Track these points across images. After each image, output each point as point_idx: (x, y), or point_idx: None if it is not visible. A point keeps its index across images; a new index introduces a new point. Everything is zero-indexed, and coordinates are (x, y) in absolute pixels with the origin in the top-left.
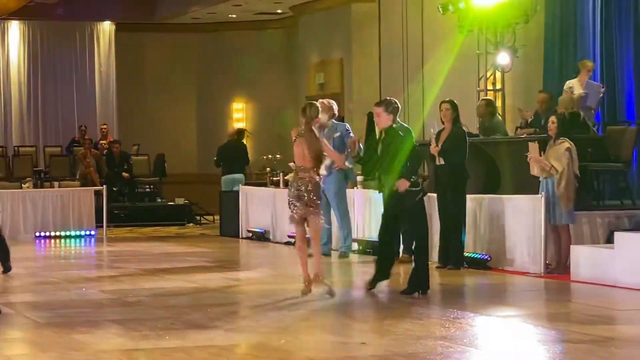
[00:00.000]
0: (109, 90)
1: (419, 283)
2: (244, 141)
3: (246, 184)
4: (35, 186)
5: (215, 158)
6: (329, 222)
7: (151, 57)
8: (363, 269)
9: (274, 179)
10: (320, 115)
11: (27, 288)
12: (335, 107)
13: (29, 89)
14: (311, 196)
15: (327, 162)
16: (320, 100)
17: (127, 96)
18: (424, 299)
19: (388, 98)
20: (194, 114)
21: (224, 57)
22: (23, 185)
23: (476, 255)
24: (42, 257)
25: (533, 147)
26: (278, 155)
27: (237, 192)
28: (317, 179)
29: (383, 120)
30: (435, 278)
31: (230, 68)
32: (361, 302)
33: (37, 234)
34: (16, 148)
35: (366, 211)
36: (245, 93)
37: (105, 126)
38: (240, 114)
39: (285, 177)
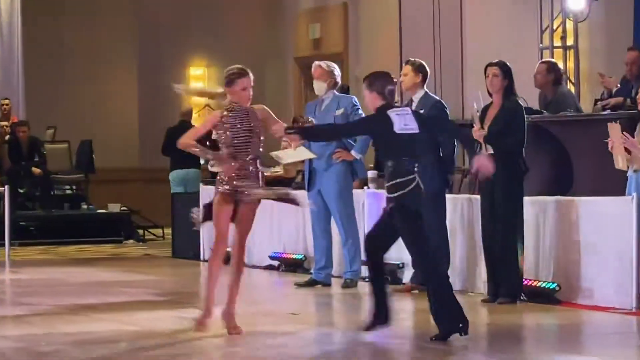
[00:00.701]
0: (12, 51)
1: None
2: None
3: (207, 184)
4: None
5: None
6: (329, 238)
7: (72, 7)
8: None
9: None
10: (315, 85)
11: None
12: (337, 72)
13: None
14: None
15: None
16: (316, 63)
17: (38, 60)
18: (455, 345)
19: (412, 60)
20: (133, 85)
21: (177, 5)
22: None
23: (539, 284)
24: None
25: (614, 128)
26: None
27: (196, 195)
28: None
29: (367, 100)
30: (481, 316)
31: (185, 19)
32: (372, 351)
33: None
34: None
35: None
36: (206, 54)
37: (6, 102)
38: (199, 83)
39: (269, 173)
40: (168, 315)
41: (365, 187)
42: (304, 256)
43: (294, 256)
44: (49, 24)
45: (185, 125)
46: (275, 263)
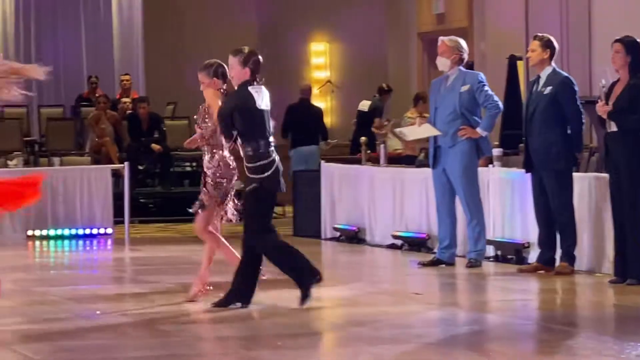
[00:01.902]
0: (133, 26)
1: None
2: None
3: (329, 161)
4: (26, 163)
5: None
6: (453, 217)
7: None
8: (502, 284)
9: (371, 153)
10: (439, 61)
11: (16, 310)
12: (463, 47)
13: (16, 29)
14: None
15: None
16: (441, 38)
17: (159, 35)
18: (582, 326)
19: (540, 35)
20: None
21: None
22: (9, 162)
23: None
24: (36, 266)
25: None
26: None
27: (317, 173)
28: None
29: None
30: (608, 297)
31: None
32: (497, 331)
33: (30, 232)
34: None
35: (506, 200)
36: (328, 30)
37: (127, 77)
38: (321, 59)
39: (396, 151)
40: (290, 294)
41: (491, 165)
42: (428, 235)
43: (417, 235)
44: (169, 1)
45: (304, 102)
46: (399, 242)
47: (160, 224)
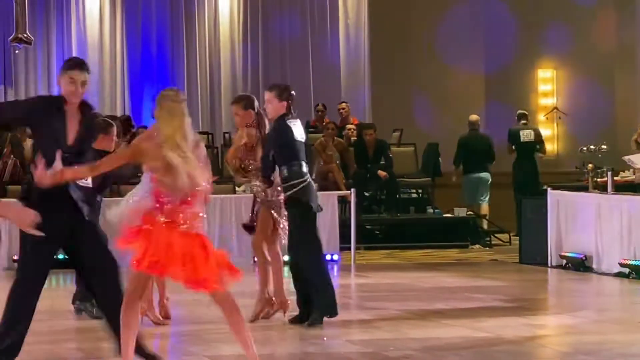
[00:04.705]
0: (359, 52)
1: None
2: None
3: (556, 188)
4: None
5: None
6: None
7: (419, 3)
8: None
9: (599, 180)
10: None
11: None
12: None
13: (244, 55)
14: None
15: None
16: None
17: (385, 63)
18: None
19: None
20: (480, 87)
21: (525, 4)
22: (237, 187)
23: None
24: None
25: None
26: (604, 146)
27: (543, 200)
28: None
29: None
30: None
31: (534, 18)
32: None
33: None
34: (227, 135)
35: None
36: (556, 55)
37: (343, 105)
38: (548, 86)
39: (619, 178)
40: (517, 322)
41: None
42: None
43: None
44: (396, 28)
45: (473, 134)
46: (626, 270)
47: (386, 250)
